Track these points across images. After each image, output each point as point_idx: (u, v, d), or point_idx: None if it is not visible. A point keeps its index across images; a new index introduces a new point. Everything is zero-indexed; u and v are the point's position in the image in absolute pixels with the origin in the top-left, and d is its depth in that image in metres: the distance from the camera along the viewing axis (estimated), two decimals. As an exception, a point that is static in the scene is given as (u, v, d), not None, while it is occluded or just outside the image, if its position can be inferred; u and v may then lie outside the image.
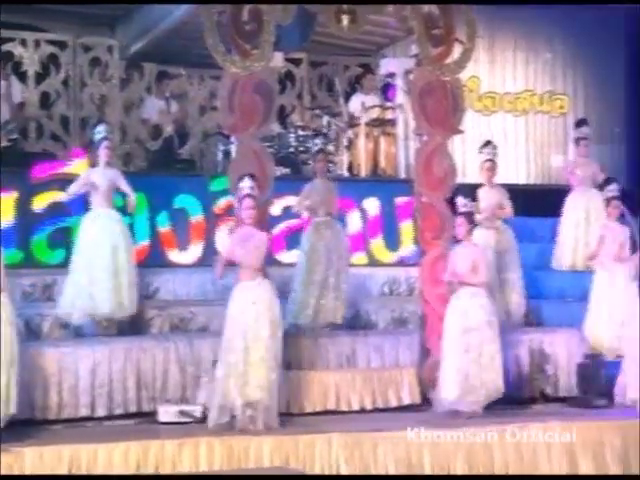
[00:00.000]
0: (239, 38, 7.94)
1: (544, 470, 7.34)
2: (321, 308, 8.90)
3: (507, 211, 9.59)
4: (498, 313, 8.32)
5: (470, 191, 8.76)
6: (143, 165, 11.44)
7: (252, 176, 7.61)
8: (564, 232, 10.50)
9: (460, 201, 8.21)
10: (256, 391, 7.22)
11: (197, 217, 9.79)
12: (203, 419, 7.52)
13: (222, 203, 9.64)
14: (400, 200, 10.25)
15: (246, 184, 7.53)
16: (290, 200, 9.64)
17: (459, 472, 7.18)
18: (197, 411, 7.61)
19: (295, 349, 8.33)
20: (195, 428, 7.34)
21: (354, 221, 10.17)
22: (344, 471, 6.94)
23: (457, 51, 8.58)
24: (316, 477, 6.85)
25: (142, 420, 7.74)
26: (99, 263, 8.16)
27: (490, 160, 9.64)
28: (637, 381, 8.13)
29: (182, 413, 7.59)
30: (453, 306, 8.05)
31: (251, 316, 7.27)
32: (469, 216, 8.22)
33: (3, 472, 6.27)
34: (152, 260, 9.54)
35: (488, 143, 9.79)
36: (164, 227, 9.69)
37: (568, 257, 10.41)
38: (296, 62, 12.44)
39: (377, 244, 10.32)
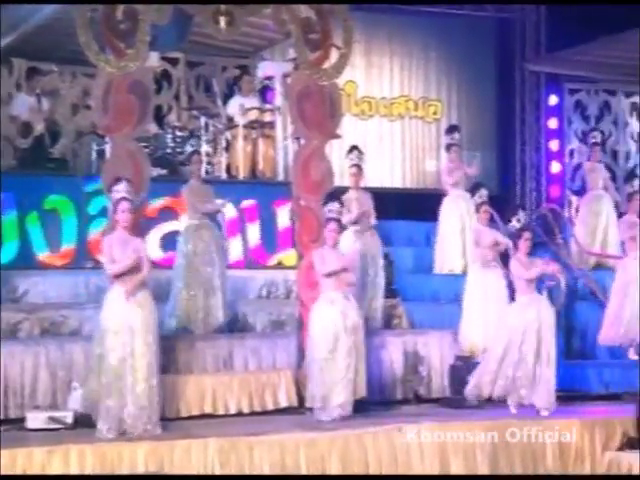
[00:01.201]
0: (113, 37, 7.83)
1: (417, 470, 7.47)
2: (209, 310, 8.90)
3: (371, 218, 9.76)
4: (363, 316, 8.46)
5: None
6: (12, 164, 11.12)
7: (128, 180, 7.51)
8: (442, 236, 10.76)
9: (331, 206, 8.31)
10: (138, 398, 7.17)
11: (70, 218, 9.63)
12: (74, 425, 7.40)
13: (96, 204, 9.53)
14: (279, 202, 10.32)
15: (121, 187, 7.44)
16: (167, 201, 9.60)
17: (334, 473, 7.26)
18: (68, 417, 7.46)
19: (172, 353, 8.27)
20: (65, 435, 7.20)
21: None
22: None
23: (334, 56, 8.67)
24: (319, 477, 6.86)
25: (9, 427, 7.54)
26: None
27: (356, 165, 9.79)
28: (491, 379, 8.36)
29: (52, 419, 7.43)
30: (323, 309, 8.10)
31: (133, 324, 7.20)
32: (339, 221, 8.34)
33: None
34: (20, 261, 9.31)
35: (354, 149, 9.93)
36: (34, 228, 9.49)
37: (449, 260, 10.67)
38: (173, 62, 12.32)
39: (255, 246, 10.37)
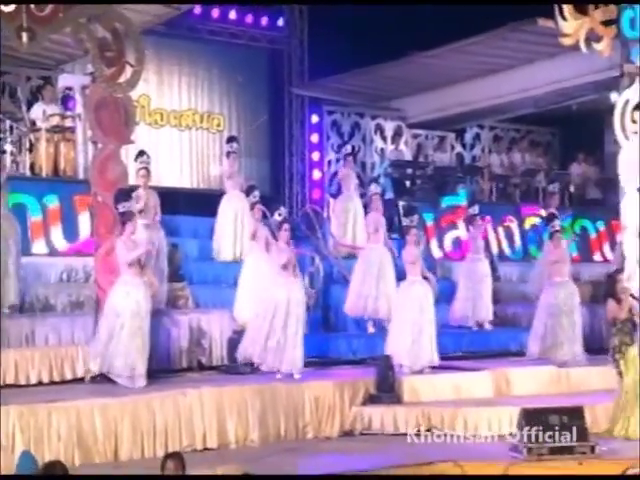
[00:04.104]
0: None
1: (198, 427, 7.42)
2: (4, 292, 8.44)
3: (157, 214, 9.60)
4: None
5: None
6: None
7: None
8: (220, 229, 10.71)
9: (124, 202, 8.15)
10: None
11: None
12: None
13: None
14: (78, 197, 9.88)
15: None
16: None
17: (125, 434, 7.06)
18: None
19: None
20: None
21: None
22: (19, 439, 6.55)
23: (129, 72, 8.43)
24: (310, 477, 6.39)
25: None
26: None
27: (144, 168, 9.62)
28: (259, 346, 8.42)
29: None
30: (120, 290, 7.93)
31: None
32: (132, 214, 8.20)
33: None
34: None
35: (142, 153, 9.75)
36: None
37: (225, 250, 10.63)
38: (-21, 71, 11.52)
39: (56, 236, 9.90)
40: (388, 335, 9.04)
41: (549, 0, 9.55)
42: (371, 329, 10.19)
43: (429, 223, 12.30)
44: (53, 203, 9.87)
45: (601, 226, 13.34)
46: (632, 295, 8.02)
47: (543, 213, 12.44)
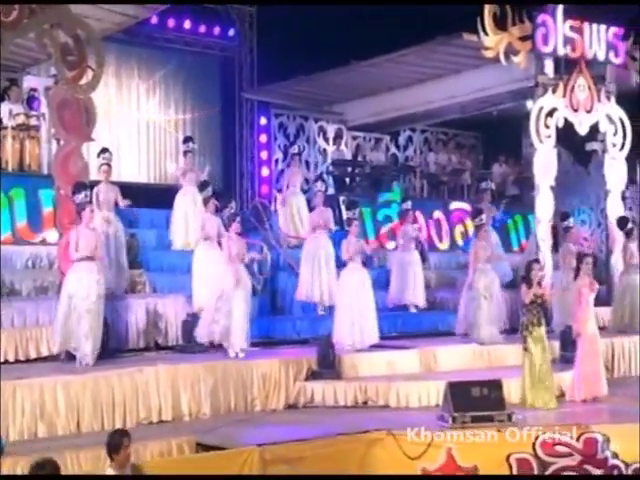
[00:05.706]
0: None
1: (154, 401, 7.35)
2: None
3: (124, 202, 9.53)
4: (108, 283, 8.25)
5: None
6: None
7: None
8: (176, 221, 10.61)
9: (82, 194, 8.04)
10: None
11: None
12: None
13: None
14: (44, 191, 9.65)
15: None
16: None
17: (87, 407, 6.96)
18: None
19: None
20: None
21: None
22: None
23: (90, 75, 8.30)
24: (309, 477, 6.13)
25: None
26: None
27: (106, 164, 9.50)
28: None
29: None
30: (72, 276, 7.80)
31: None
32: (87, 204, 8.11)
33: None
34: None
35: (105, 150, 9.64)
36: None
37: (181, 239, 10.53)
38: (-52, 74, 11.17)
39: (22, 227, 9.65)
40: (334, 319, 9.08)
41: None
42: (321, 311, 10.20)
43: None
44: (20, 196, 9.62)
45: (519, 219, 13.63)
46: (539, 283, 8.22)
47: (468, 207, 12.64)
